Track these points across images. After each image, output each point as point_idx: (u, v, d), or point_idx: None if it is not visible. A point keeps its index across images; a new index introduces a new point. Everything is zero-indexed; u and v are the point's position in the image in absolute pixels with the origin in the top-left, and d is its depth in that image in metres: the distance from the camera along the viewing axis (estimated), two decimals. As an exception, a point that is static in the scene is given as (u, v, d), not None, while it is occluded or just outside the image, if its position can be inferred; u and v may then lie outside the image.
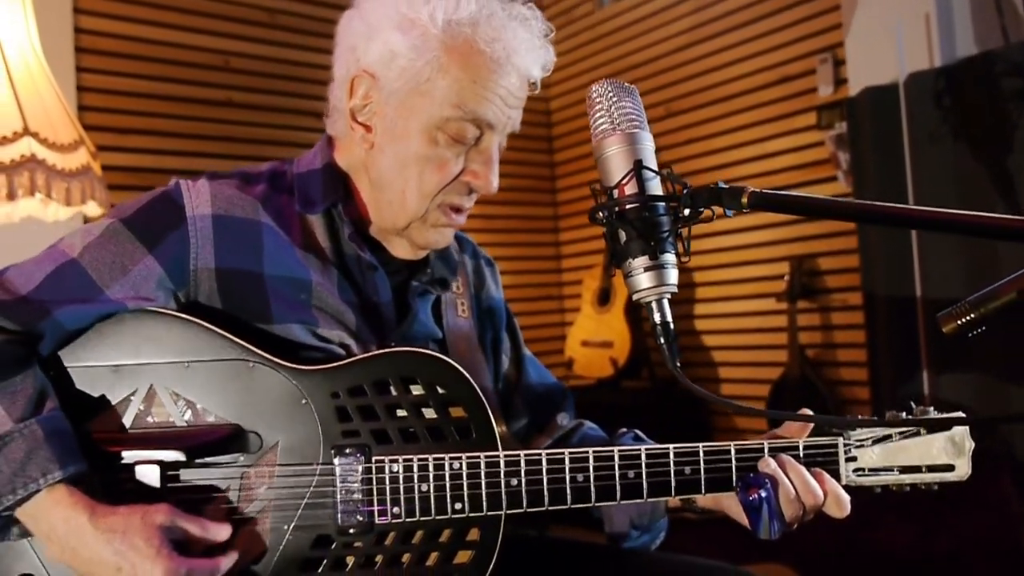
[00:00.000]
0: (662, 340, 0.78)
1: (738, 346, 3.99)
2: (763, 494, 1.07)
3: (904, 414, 1.13)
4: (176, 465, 1.07)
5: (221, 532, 1.05)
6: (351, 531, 1.09)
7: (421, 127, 1.15)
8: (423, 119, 1.15)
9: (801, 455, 1.13)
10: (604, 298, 4.27)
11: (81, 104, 3.27)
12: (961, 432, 1.12)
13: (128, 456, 1.06)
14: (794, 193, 0.72)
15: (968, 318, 0.64)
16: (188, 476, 1.08)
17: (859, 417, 1.13)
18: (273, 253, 1.17)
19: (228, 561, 1.04)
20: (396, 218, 1.21)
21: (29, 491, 0.97)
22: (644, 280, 0.79)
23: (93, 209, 1.94)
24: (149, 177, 3.46)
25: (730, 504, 1.18)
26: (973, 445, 1.12)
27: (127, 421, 1.09)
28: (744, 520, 1.11)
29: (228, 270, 1.15)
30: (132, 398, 1.10)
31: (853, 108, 3.13)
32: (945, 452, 1.13)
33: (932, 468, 1.13)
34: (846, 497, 1.12)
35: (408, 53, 1.13)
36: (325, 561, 1.09)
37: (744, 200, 0.71)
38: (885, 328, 3.01)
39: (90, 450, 1.04)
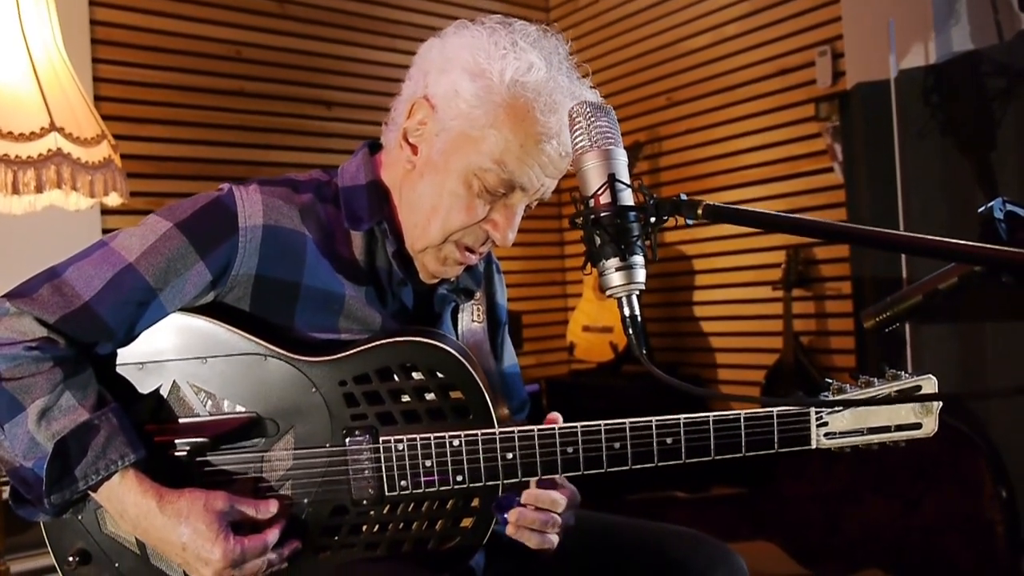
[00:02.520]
0: (631, 331, 0.89)
1: (735, 332, 4.08)
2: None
3: (876, 380, 1.19)
4: (203, 450, 1.19)
5: (270, 508, 1.18)
6: (364, 502, 1.21)
7: (461, 168, 1.21)
8: (464, 162, 1.20)
9: (775, 424, 1.20)
10: (606, 284, 4.35)
11: (97, 95, 3.36)
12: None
13: (159, 443, 1.18)
14: (745, 208, 0.81)
15: (884, 316, 0.73)
16: (214, 461, 1.20)
17: (826, 396, 1.19)
18: (313, 266, 1.23)
19: (273, 536, 1.16)
20: (414, 241, 1.27)
21: (109, 471, 1.10)
22: (616, 279, 0.89)
23: (114, 199, 2.04)
24: (164, 165, 3.57)
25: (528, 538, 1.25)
26: (941, 404, 1.19)
27: (155, 413, 1.20)
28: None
29: (267, 278, 1.21)
30: (157, 392, 1.20)
31: (846, 102, 3.21)
32: (914, 412, 1.19)
33: (900, 427, 1.19)
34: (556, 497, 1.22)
35: (471, 99, 1.18)
36: (343, 527, 1.21)
37: (699, 212, 0.81)
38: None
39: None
